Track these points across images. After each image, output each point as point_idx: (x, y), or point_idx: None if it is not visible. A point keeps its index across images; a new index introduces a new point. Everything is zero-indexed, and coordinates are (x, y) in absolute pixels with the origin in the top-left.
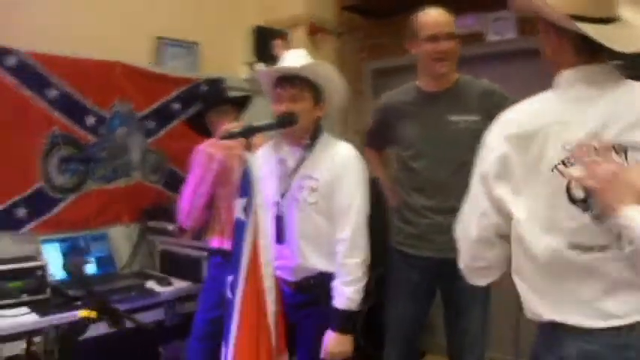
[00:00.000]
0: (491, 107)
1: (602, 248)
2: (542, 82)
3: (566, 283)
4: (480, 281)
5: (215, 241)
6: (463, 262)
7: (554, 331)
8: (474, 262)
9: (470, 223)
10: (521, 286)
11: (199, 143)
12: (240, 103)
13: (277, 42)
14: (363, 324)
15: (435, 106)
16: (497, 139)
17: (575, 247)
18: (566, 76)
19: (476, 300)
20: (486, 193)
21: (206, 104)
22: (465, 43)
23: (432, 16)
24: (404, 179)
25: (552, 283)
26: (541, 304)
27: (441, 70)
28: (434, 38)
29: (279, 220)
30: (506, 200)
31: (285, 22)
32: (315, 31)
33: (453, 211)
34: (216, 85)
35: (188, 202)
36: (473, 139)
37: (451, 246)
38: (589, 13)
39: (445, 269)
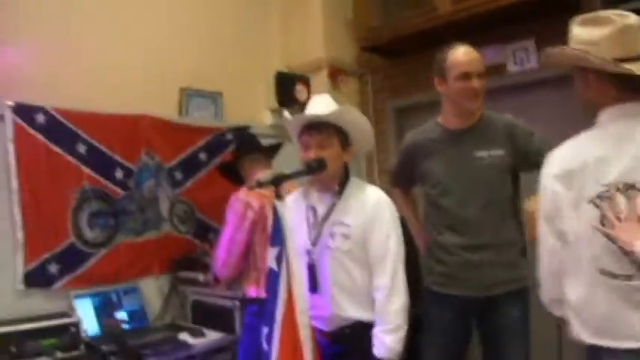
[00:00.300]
0: (515, 141)
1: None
2: (563, 110)
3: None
4: (558, 312)
5: (252, 290)
6: (542, 296)
7: (595, 352)
8: (550, 295)
9: (543, 260)
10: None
11: (227, 192)
12: (272, 150)
13: (299, 87)
14: None
15: (461, 143)
16: (546, 178)
17: (606, 273)
18: (608, 113)
19: (515, 336)
20: (549, 231)
21: (239, 152)
22: (487, 75)
23: (464, 54)
24: (433, 217)
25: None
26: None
27: (474, 107)
28: (467, 76)
29: (312, 269)
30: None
31: (306, 67)
32: (335, 73)
33: (483, 248)
34: (247, 132)
35: (225, 250)
36: (499, 173)
37: (482, 284)
38: (630, 54)
39: (476, 307)
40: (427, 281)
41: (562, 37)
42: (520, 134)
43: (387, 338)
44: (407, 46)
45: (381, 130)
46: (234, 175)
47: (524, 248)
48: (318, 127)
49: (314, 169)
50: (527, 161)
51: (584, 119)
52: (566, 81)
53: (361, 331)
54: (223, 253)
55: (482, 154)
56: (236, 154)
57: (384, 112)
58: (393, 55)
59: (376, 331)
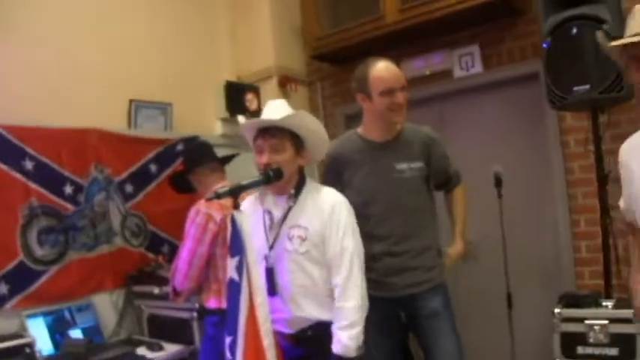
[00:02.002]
0: (430, 154)
1: None
2: (507, 112)
3: None
4: None
5: (212, 302)
6: None
7: None
8: None
9: None
10: None
11: (179, 204)
12: (227, 160)
13: (249, 96)
14: None
15: (383, 156)
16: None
17: None
18: None
19: (442, 319)
20: None
21: (193, 162)
22: (434, 80)
23: (386, 70)
24: (360, 226)
25: None
26: None
27: (399, 121)
28: (391, 92)
29: (270, 273)
30: None
31: (256, 76)
32: (285, 81)
33: (406, 253)
34: (201, 142)
35: (187, 263)
36: (419, 184)
37: (404, 284)
38: None
39: (402, 304)
40: None
41: (504, 41)
42: (435, 150)
43: (343, 335)
44: (356, 54)
45: (333, 135)
46: (185, 186)
47: (439, 250)
48: (271, 131)
49: (271, 178)
50: (433, 176)
51: (526, 121)
52: (509, 85)
53: (323, 332)
54: (185, 266)
55: (402, 166)
56: (188, 164)
57: (334, 118)
58: (342, 63)
59: (333, 328)
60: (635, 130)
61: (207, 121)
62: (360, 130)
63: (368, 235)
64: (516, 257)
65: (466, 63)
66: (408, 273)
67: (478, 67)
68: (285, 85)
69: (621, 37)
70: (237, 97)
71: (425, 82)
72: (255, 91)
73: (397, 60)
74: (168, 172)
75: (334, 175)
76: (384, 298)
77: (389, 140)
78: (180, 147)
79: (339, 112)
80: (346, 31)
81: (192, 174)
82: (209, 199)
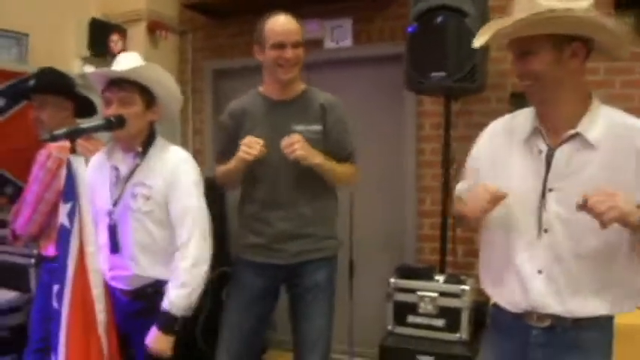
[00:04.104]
0: (327, 120)
1: None
2: (377, 89)
3: None
4: None
5: (51, 249)
6: None
7: None
8: None
9: None
10: None
11: (28, 142)
12: (81, 102)
13: (114, 37)
14: (203, 326)
15: (281, 115)
16: None
17: None
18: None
19: (318, 293)
20: None
21: (42, 87)
22: (305, 47)
23: (281, 24)
24: (249, 189)
25: None
26: None
27: (285, 77)
28: (281, 46)
29: (113, 230)
30: None
31: (125, 16)
32: (155, 27)
33: (300, 217)
34: (58, 71)
35: (31, 208)
36: (316, 148)
37: (290, 252)
38: None
39: (284, 273)
40: (239, 250)
41: (375, 19)
42: (331, 116)
43: (173, 293)
44: (232, 8)
45: (199, 90)
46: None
47: (334, 223)
48: (120, 83)
49: (113, 124)
50: (327, 143)
51: (388, 99)
52: (376, 62)
53: (163, 290)
54: (29, 210)
55: (300, 128)
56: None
57: (202, 72)
58: (217, 16)
59: (167, 285)
60: (485, 121)
61: (67, 58)
62: (261, 87)
63: (258, 198)
64: (363, 228)
65: (337, 35)
66: (299, 240)
67: (348, 41)
68: (155, 30)
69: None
70: (102, 36)
71: None
72: (122, 32)
73: None
74: (17, 109)
75: (232, 137)
76: (270, 265)
77: (287, 99)
78: (32, 82)
79: (209, 66)
80: None
81: (39, 102)
82: (44, 140)
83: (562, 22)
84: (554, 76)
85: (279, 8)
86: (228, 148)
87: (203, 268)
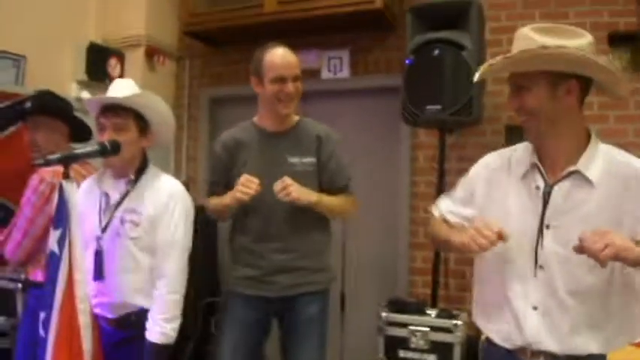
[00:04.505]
0: (321, 151)
1: None
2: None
3: None
4: None
5: (39, 274)
6: None
7: None
8: None
9: None
10: None
11: (20, 165)
12: (77, 126)
13: (112, 61)
14: (191, 355)
15: (275, 147)
16: None
17: None
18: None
19: (311, 328)
20: None
21: (39, 107)
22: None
23: (281, 57)
24: (243, 220)
25: None
26: None
27: (285, 112)
28: (282, 80)
29: (99, 256)
30: None
31: (123, 42)
32: (153, 53)
33: (293, 251)
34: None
35: (22, 232)
36: (310, 180)
37: (283, 285)
38: None
39: (276, 306)
40: (231, 282)
41: (373, 51)
42: (326, 147)
43: (166, 326)
44: (230, 37)
45: (194, 117)
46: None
47: (327, 256)
48: (115, 109)
49: (107, 150)
50: (323, 174)
51: (383, 131)
52: (372, 94)
53: (145, 318)
54: (19, 235)
55: (294, 160)
56: (35, 107)
57: (199, 100)
58: (214, 44)
59: (155, 317)
60: (479, 154)
61: (64, 81)
62: (255, 118)
63: (252, 229)
64: (355, 260)
65: (334, 66)
66: (292, 273)
67: (345, 72)
68: (153, 56)
69: (482, 62)
70: (100, 60)
71: None
72: (120, 57)
73: None
74: (12, 130)
75: (225, 168)
76: (262, 297)
77: (282, 131)
78: (29, 104)
79: (205, 94)
80: (223, 12)
81: (34, 124)
82: (37, 165)
83: (553, 60)
84: (549, 112)
85: (277, 38)
86: (220, 179)
87: (182, 302)
